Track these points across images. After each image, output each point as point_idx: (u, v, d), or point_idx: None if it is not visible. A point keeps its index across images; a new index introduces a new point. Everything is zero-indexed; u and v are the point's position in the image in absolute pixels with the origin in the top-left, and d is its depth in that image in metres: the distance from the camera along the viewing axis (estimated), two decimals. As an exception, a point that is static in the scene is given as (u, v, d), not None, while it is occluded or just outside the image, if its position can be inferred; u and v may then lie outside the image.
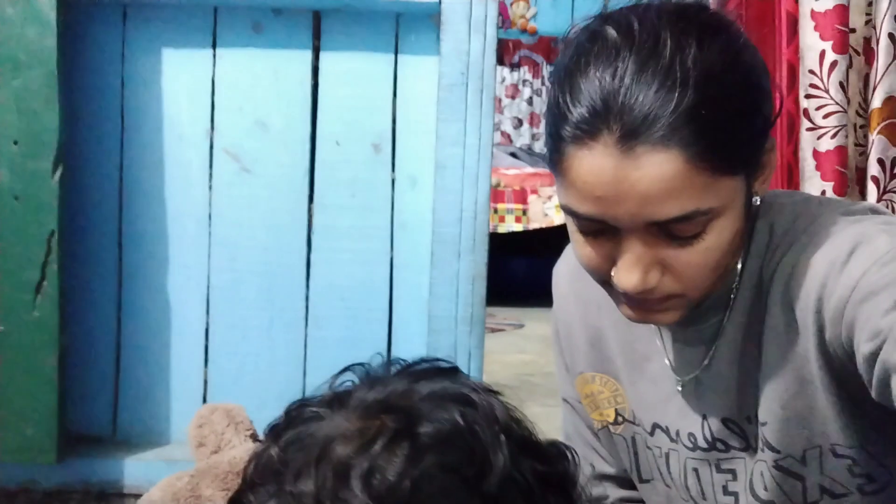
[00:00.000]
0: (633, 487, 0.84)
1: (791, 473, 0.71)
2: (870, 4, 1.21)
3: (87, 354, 1.58)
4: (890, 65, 1.17)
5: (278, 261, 1.59)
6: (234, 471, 0.72)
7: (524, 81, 5.35)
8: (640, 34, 0.63)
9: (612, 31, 0.64)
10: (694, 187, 0.62)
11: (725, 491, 0.76)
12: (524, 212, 4.14)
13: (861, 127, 1.23)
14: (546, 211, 4.11)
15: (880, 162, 1.18)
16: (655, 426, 0.78)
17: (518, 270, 3.94)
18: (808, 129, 1.20)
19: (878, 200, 1.19)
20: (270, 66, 1.58)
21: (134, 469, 1.54)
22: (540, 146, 5.21)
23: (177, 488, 0.73)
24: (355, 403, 0.47)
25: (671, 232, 0.64)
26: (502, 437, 0.45)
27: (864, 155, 1.22)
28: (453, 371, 0.50)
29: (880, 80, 1.17)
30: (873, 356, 0.60)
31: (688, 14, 0.64)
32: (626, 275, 0.65)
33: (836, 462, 0.70)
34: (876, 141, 1.18)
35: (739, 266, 0.71)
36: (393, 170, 1.59)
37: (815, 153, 1.20)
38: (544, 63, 5.27)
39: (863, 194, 1.22)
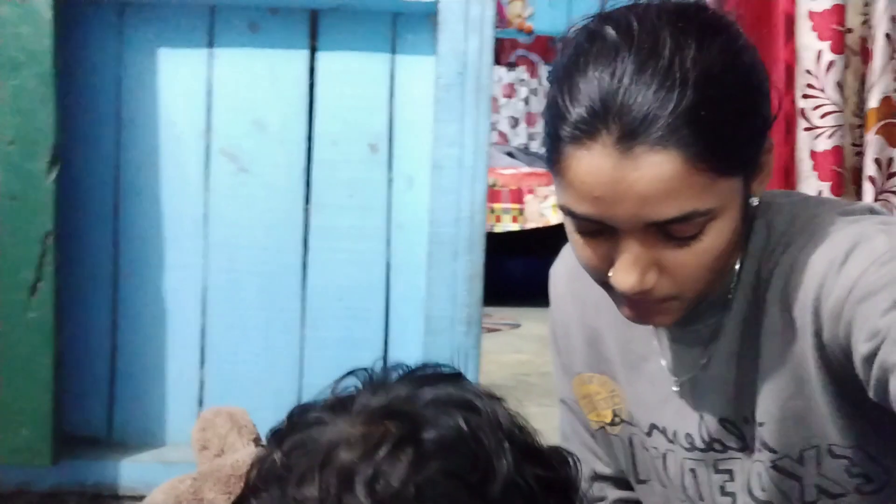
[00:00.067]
0: (631, 488, 0.84)
1: (788, 474, 0.71)
2: (867, 5, 1.21)
3: (83, 355, 1.58)
4: (886, 65, 1.17)
5: (275, 261, 1.58)
6: (237, 474, 0.71)
7: (521, 81, 5.35)
8: (639, 34, 0.63)
9: (611, 31, 0.64)
10: (692, 188, 0.62)
11: (723, 491, 0.76)
12: (521, 211, 4.14)
13: (858, 127, 1.23)
14: (542, 211, 4.11)
15: (877, 162, 1.19)
16: (653, 427, 0.78)
17: (514, 270, 3.94)
18: (806, 129, 1.21)
19: (875, 200, 1.20)
20: (267, 65, 1.57)
21: (130, 471, 1.53)
22: (536, 146, 5.21)
23: (179, 491, 0.73)
24: (358, 409, 0.47)
25: (669, 233, 0.64)
26: (506, 443, 0.45)
27: (861, 155, 1.22)
28: (456, 376, 0.50)
29: (877, 80, 1.17)
30: (871, 356, 0.60)
31: (687, 14, 0.64)
32: (624, 275, 0.65)
33: (834, 462, 0.70)
34: (872, 141, 1.18)
35: (738, 266, 0.71)
36: (390, 170, 1.58)
37: (812, 153, 1.21)
38: (541, 62, 5.27)
39: (859, 194, 1.22)
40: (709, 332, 0.73)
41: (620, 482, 0.86)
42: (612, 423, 0.82)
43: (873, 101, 1.17)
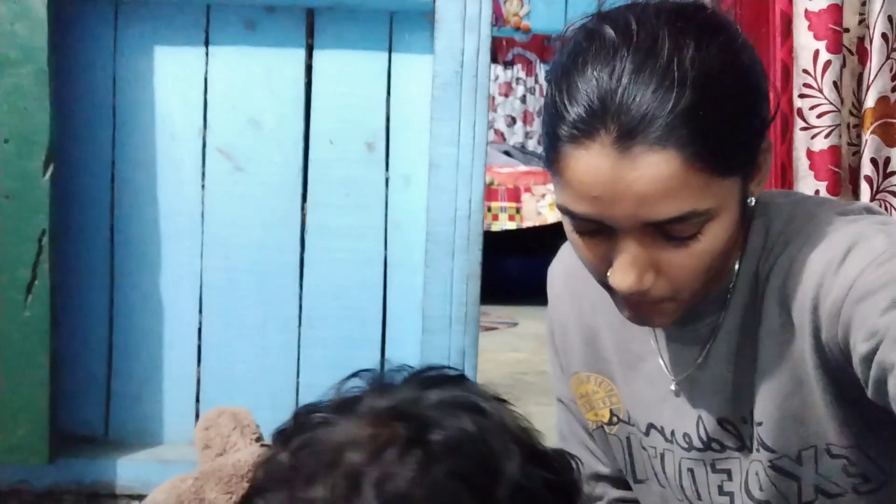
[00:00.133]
0: (629, 487, 0.84)
1: (786, 473, 0.71)
2: (863, 4, 1.21)
3: (79, 354, 1.57)
4: (883, 64, 1.17)
5: (271, 260, 1.58)
6: (239, 474, 0.71)
7: (518, 79, 5.35)
8: (637, 34, 0.63)
9: (609, 31, 0.63)
10: (690, 188, 0.62)
11: (721, 491, 0.76)
12: (518, 210, 4.14)
13: (854, 126, 1.23)
14: (539, 209, 4.11)
15: (873, 161, 1.19)
16: (650, 426, 0.78)
17: (511, 269, 3.94)
18: (802, 129, 1.21)
19: (872, 200, 1.20)
20: (263, 64, 1.57)
21: (126, 469, 1.53)
22: (533, 144, 5.21)
23: (181, 490, 0.72)
24: (365, 410, 0.47)
25: (667, 233, 0.64)
26: (513, 445, 0.45)
27: (858, 154, 1.22)
28: (461, 378, 0.50)
29: (874, 79, 1.17)
30: (870, 356, 0.60)
31: (686, 14, 0.64)
32: (622, 276, 0.65)
33: (832, 462, 0.70)
34: (869, 140, 1.18)
35: (736, 266, 0.71)
36: (387, 169, 1.58)
37: (809, 153, 1.21)
38: (538, 61, 5.27)
39: (856, 194, 1.23)
40: (707, 331, 0.73)
41: (618, 482, 0.86)
42: (610, 423, 0.82)
43: (870, 101, 1.17)
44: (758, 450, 0.72)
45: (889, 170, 1.19)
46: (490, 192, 4.01)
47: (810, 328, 0.66)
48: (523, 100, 5.37)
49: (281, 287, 1.58)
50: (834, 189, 1.21)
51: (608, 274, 0.66)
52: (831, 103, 1.19)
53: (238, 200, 1.57)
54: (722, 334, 0.73)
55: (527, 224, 4.11)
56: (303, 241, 1.58)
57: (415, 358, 1.55)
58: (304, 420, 0.48)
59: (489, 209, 4.04)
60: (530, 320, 3.71)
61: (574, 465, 0.48)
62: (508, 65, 5.31)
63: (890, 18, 1.17)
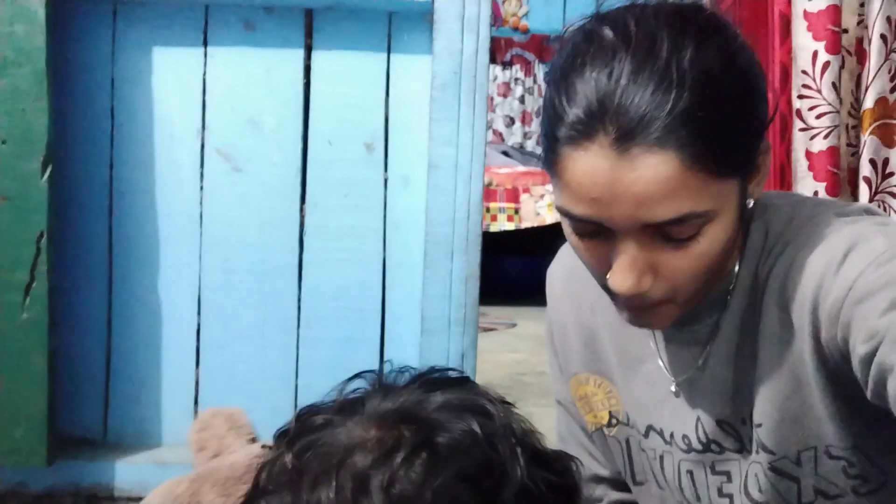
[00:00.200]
0: (628, 489, 0.84)
1: (786, 475, 0.71)
2: (862, 5, 1.21)
3: (78, 356, 1.57)
4: (882, 65, 1.17)
5: (270, 261, 1.58)
6: (234, 476, 0.71)
7: (516, 80, 5.35)
8: (636, 35, 0.62)
9: (608, 32, 0.63)
10: (689, 189, 0.62)
11: (720, 493, 0.76)
12: (516, 210, 4.14)
13: (853, 127, 1.23)
14: (538, 210, 4.11)
15: (872, 162, 1.19)
16: (649, 428, 0.78)
17: (510, 269, 3.94)
18: (801, 130, 1.21)
19: (870, 201, 1.20)
20: (262, 64, 1.57)
21: (125, 471, 1.53)
22: (532, 145, 5.21)
23: (176, 493, 0.72)
24: (370, 412, 0.46)
25: (666, 234, 0.64)
26: (518, 448, 0.45)
27: (857, 155, 1.22)
28: (465, 381, 0.50)
29: (872, 80, 1.17)
30: (869, 357, 0.60)
31: (685, 15, 0.64)
32: (621, 278, 0.65)
33: (831, 463, 0.70)
34: (868, 141, 1.18)
35: (736, 268, 0.71)
36: (385, 169, 1.58)
37: (808, 153, 1.21)
38: (536, 61, 5.27)
39: (855, 195, 1.23)
40: (706, 332, 0.73)
41: (618, 483, 0.86)
42: (609, 425, 0.82)
43: (869, 102, 1.17)
44: (757, 451, 0.72)
45: (888, 170, 1.19)
46: (488, 193, 4.01)
47: (810, 329, 0.66)
48: (522, 100, 5.37)
49: (280, 288, 1.58)
50: (833, 190, 1.21)
51: (607, 276, 0.66)
52: (830, 104, 1.19)
53: (237, 201, 1.57)
54: (721, 336, 0.73)
55: (525, 225, 4.11)
56: (301, 241, 1.58)
57: (414, 359, 1.54)
58: (308, 422, 0.48)
59: (488, 210, 4.04)
60: (529, 321, 3.71)
61: (574, 467, 0.48)
62: (507, 65, 5.31)
63: (888, 19, 1.17)
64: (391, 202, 1.58)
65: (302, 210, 1.58)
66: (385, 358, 1.59)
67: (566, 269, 0.84)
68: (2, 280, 1.44)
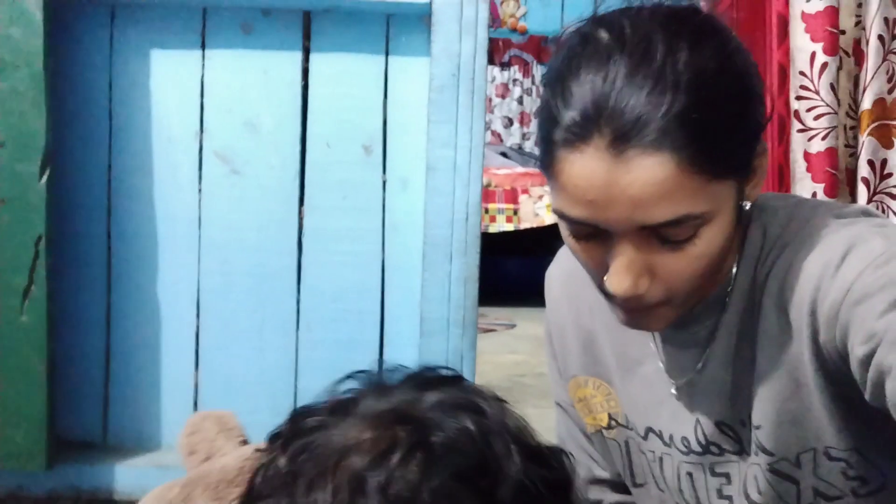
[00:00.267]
0: (628, 491, 0.84)
1: (785, 476, 0.71)
2: (859, 6, 1.21)
3: (77, 359, 1.57)
4: (879, 66, 1.17)
5: (269, 263, 1.58)
6: (226, 479, 0.71)
7: (514, 80, 5.35)
8: (631, 37, 0.62)
9: (603, 34, 0.63)
10: (685, 191, 0.62)
11: (720, 494, 0.76)
12: (515, 212, 4.14)
13: (851, 128, 1.23)
14: (537, 210, 4.11)
15: (870, 163, 1.19)
16: (649, 430, 0.78)
17: (509, 270, 3.94)
18: (799, 131, 1.21)
19: (869, 202, 1.20)
20: (260, 67, 1.57)
21: (125, 475, 1.52)
22: (531, 145, 5.21)
23: (168, 498, 0.72)
24: (364, 413, 0.46)
25: (663, 236, 0.64)
26: (513, 445, 0.45)
27: (855, 156, 1.22)
28: (458, 379, 0.50)
29: (870, 81, 1.17)
30: (868, 359, 0.60)
31: (680, 17, 0.64)
32: (618, 280, 0.65)
33: (831, 465, 0.70)
34: (866, 142, 1.18)
35: (734, 270, 0.71)
36: (384, 171, 1.58)
37: (806, 154, 1.21)
38: (535, 62, 5.27)
39: (853, 196, 1.23)
40: (705, 334, 0.73)
41: (617, 485, 0.86)
42: (609, 427, 0.82)
43: (867, 103, 1.17)
44: (756, 453, 0.72)
45: (886, 171, 1.19)
46: (487, 194, 4.01)
47: (808, 331, 0.66)
48: (520, 101, 5.37)
49: (278, 290, 1.58)
50: (831, 191, 1.21)
51: (604, 278, 0.66)
52: (828, 105, 1.19)
53: (235, 204, 1.57)
54: (720, 337, 0.73)
55: (524, 225, 4.11)
56: (300, 244, 1.58)
57: (413, 361, 1.54)
58: (301, 423, 0.47)
59: (486, 211, 4.03)
60: (528, 322, 3.70)
61: (568, 461, 0.48)
62: (505, 66, 5.31)
63: (886, 20, 1.17)
64: (390, 204, 1.58)
65: (300, 212, 1.58)
66: (385, 360, 1.58)
67: (564, 271, 0.84)
68: (0, 283, 1.44)
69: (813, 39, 1.18)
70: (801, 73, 1.20)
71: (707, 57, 0.62)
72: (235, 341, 1.58)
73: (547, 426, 0.83)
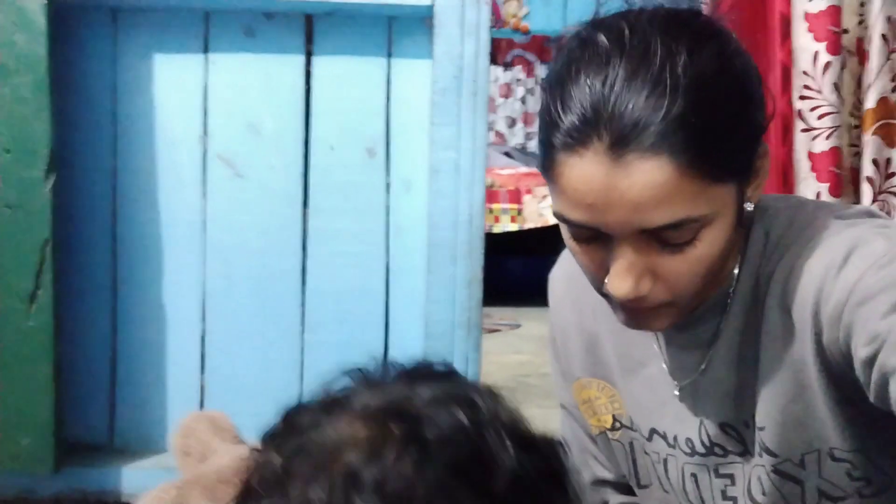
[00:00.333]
0: (632, 492, 0.84)
1: (789, 477, 0.71)
2: (862, 5, 1.21)
3: (83, 362, 1.58)
4: (883, 65, 1.17)
5: (273, 266, 1.58)
6: (223, 479, 0.71)
7: (517, 80, 5.35)
8: (630, 41, 0.63)
9: (602, 38, 0.64)
10: (684, 195, 0.62)
11: (724, 496, 0.76)
12: (519, 212, 4.14)
13: (855, 128, 1.23)
14: (541, 210, 4.10)
15: (875, 162, 1.19)
16: (653, 431, 0.78)
17: (514, 270, 3.94)
18: (803, 131, 1.21)
19: (873, 201, 1.20)
20: (263, 70, 1.57)
21: (131, 477, 1.53)
22: (534, 145, 5.20)
23: (164, 501, 0.72)
24: (357, 409, 0.46)
25: (663, 239, 0.64)
26: (507, 438, 0.45)
27: (859, 156, 1.22)
28: (450, 373, 0.50)
29: (874, 80, 1.17)
30: (871, 360, 0.60)
31: (679, 20, 0.64)
32: (618, 282, 0.65)
33: (835, 466, 0.70)
34: (870, 142, 1.18)
35: (736, 271, 0.71)
36: (387, 174, 1.58)
37: (810, 154, 1.21)
38: (537, 62, 5.27)
39: (857, 195, 1.22)
40: (708, 335, 0.73)
41: (621, 487, 0.86)
42: (613, 428, 0.82)
43: (870, 102, 1.17)
44: (760, 454, 0.72)
45: (890, 171, 1.19)
46: (491, 194, 4.01)
47: (811, 332, 0.66)
48: (523, 101, 5.36)
49: (283, 293, 1.58)
50: (835, 190, 1.20)
51: (605, 280, 0.66)
52: (832, 105, 1.19)
53: (239, 206, 1.58)
54: (723, 338, 0.73)
55: (528, 225, 4.10)
56: (304, 246, 1.59)
57: (417, 363, 1.54)
58: (294, 421, 0.47)
59: (490, 211, 4.03)
60: (533, 322, 3.70)
61: (562, 451, 0.48)
62: (508, 66, 5.31)
63: (889, 19, 1.17)
64: (393, 206, 1.58)
65: (304, 215, 1.59)
66: (386, 361, 1.59)
67: (567, 273, 0.84)
68: (7, 288, 1.45)
69: (816, 39, 1.18)
70: (805, 73, 1.20)
71: (706, 60, 0.62)
72: (240, 343, 1.59)
73: (551, 427, 0.83)
